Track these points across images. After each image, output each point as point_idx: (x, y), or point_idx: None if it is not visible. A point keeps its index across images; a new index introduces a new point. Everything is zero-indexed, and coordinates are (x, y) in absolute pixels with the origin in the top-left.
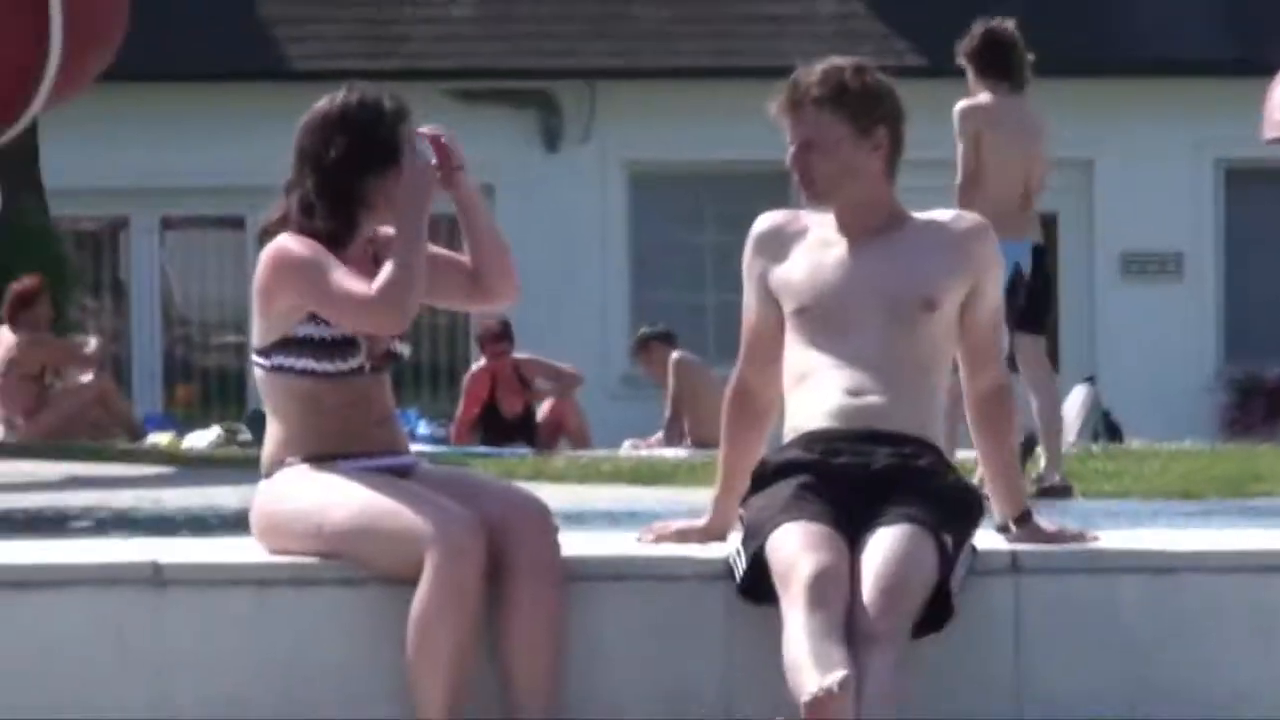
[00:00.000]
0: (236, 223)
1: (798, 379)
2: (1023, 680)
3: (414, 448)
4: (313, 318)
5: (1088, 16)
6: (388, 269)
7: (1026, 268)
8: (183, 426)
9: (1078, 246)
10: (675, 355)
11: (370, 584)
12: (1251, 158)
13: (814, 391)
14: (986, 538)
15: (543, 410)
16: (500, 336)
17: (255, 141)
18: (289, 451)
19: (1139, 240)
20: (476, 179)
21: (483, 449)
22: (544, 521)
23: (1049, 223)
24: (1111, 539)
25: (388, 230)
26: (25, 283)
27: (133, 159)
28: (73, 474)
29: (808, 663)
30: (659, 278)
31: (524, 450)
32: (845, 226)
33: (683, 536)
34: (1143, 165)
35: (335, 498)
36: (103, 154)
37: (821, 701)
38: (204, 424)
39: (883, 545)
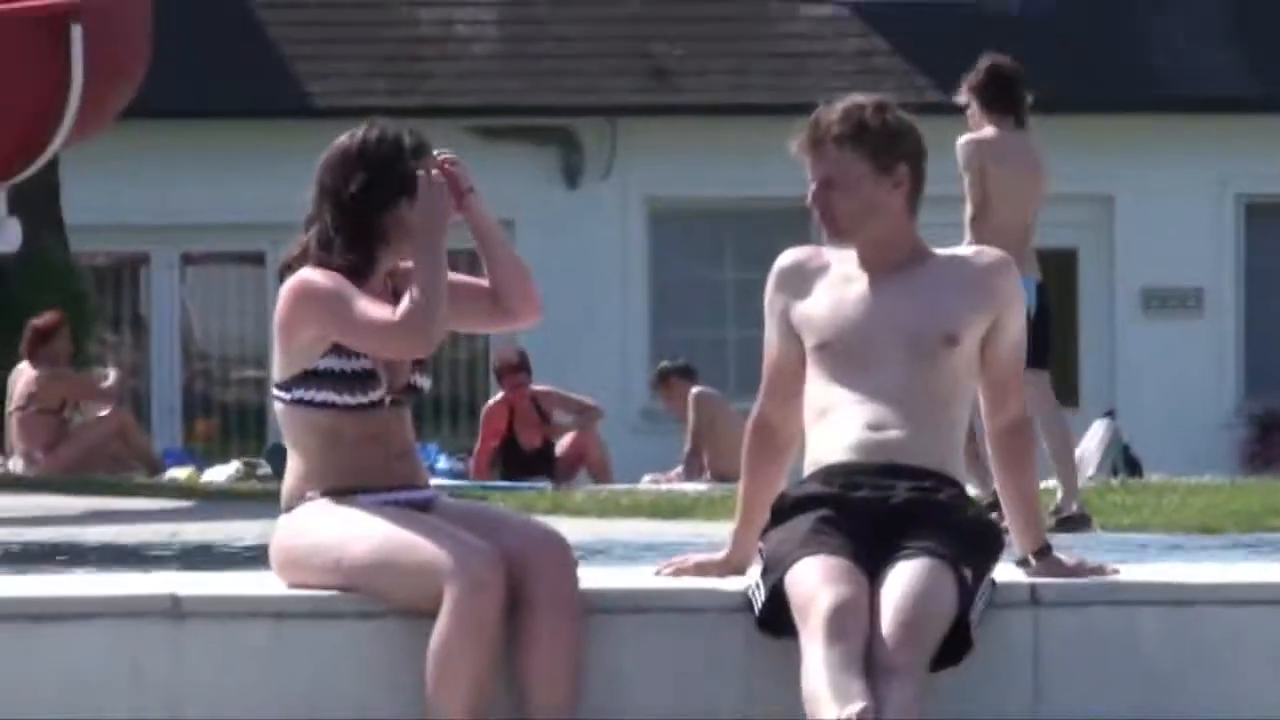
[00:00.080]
0: (257, 258)
1: (819, 414)
2: (1041, 713)
3: (433, 482)
4: (335, 350)
5: (1110, 53)
6: (410, 294)
7: (1032, 302)
8: (202, 461)
9: (1098, 282)
10: (695, 390)
11: (389, 617)
12: (1272, 193)
13: (835, 426)
14: (1006, 571)
15: (564, 443)
16: (518, 367)
17: (276, 178)
18: (309, 485)
19: (1159, 276)
20: (496, 214)
21: (502, 483)
22: (563, 555)
23: (1068, 258)
24: (1130, 572)
25: (407, 264)
26: (45, 318)
27: (153, 195)
28: (92, 508)
29: (826, 695)
30: (679, 314)
31: (543, 484)
32: (867, 263)
33: (702, 570)
34: (1163, 201)
35: (355, 532)
36: (124, 190)
37: None
38: (223, 459)
39: (902, 579)
